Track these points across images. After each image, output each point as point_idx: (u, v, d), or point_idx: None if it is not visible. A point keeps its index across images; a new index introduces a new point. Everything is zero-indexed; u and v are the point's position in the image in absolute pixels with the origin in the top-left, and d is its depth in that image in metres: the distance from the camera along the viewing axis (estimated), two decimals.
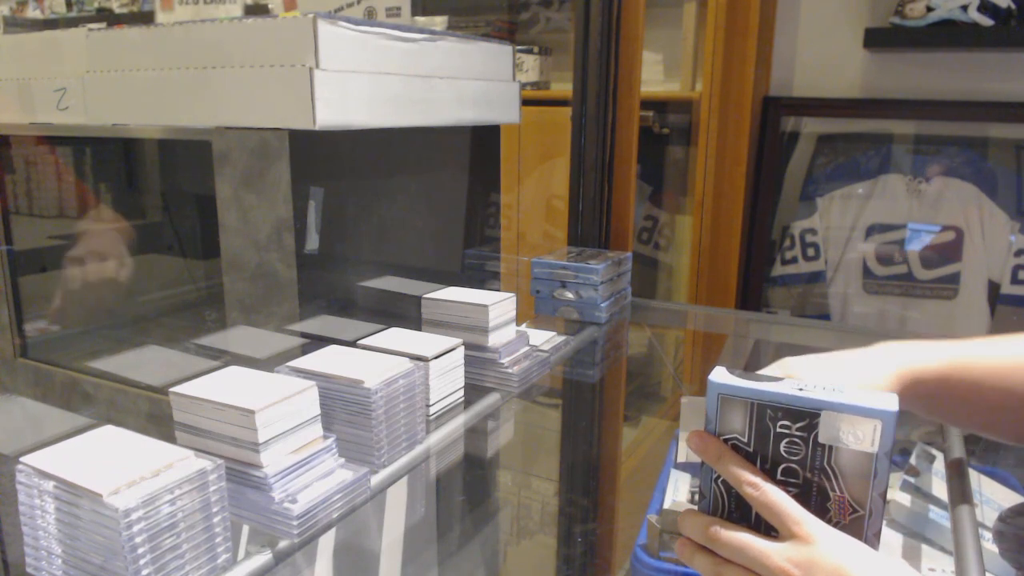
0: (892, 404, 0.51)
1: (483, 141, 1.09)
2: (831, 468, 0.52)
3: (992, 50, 1.71)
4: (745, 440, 0.54)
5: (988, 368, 0.64)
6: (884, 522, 0.60)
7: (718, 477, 0.55)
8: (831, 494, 0.52)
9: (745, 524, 0.54)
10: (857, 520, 0.52)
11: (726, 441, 0.55)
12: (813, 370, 0.60)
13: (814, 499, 0.53)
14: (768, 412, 0.53)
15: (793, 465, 0.53)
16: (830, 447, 0.52)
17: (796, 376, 0.59)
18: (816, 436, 0.52)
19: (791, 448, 0.53)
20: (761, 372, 0.60)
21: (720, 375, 0.55)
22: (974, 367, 0.64)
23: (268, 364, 0.74)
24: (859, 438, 0.51)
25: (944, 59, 1.76)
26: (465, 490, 1.05)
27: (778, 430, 0.53)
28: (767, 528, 0.53)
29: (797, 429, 0.52)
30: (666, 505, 0.88)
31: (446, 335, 0.85)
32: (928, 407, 0.65)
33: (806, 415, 0.52)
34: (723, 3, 1.73)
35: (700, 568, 0.55)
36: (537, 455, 1.28)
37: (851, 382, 0.58)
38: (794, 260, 1.88)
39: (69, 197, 1.06)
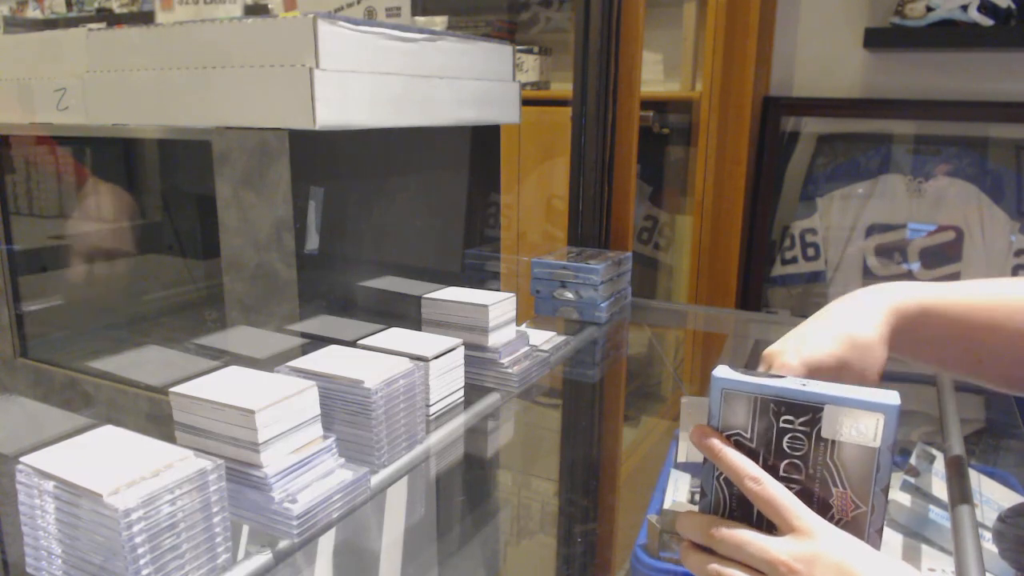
0: (895, 398, 0.51)
1: (483, 141, 1.08)
2: (833, 463, 0.52)
3: (992, 50, 1.71)
4: (748, 436, 0.54)
5: (972, 304, 0.63)
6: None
7: (720, 475, 0.55)
8: (833, 491, 0.53)
9: (746, 524, 0.54)
10: (859, 517, 0.52)
11: (729, 437, 0.55)
12: (799, 341, 0.60)
13: (816, 496, 0.53)
14: (771, 407, 0.53)
15: (796, 461, 0.53)
16: (833, 442, 0.52)
17: (781, 357, 0.60)
18: (819, 431, 0.52)
19: (794, 444, 0.53)
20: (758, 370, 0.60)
21: (723, 371, 0.55)
22: (958, 302, 0.63)
23: (268, 364, 0.74)
24: (862, 432, 0.51)
25: (944, 59, 1.76)
26: (465, 490, 1.05)
27: (781, 425, 0.53)
28: (769, 528, 0.53)
29: (800, 424, 0.52)
30: (666, 505, 0.88)
31: (446, 335, 0.85)
32: (913, 345, 0.63)
33: (809, 409, 0.52)
34: (723, 3, 1.73)
35: (700, 569, 0.55)
36: (537, 455, 1.28)
37: (843, 329, 0.59)
38: (794, 260, 1.88)
39: (69, 197, 1.06)
